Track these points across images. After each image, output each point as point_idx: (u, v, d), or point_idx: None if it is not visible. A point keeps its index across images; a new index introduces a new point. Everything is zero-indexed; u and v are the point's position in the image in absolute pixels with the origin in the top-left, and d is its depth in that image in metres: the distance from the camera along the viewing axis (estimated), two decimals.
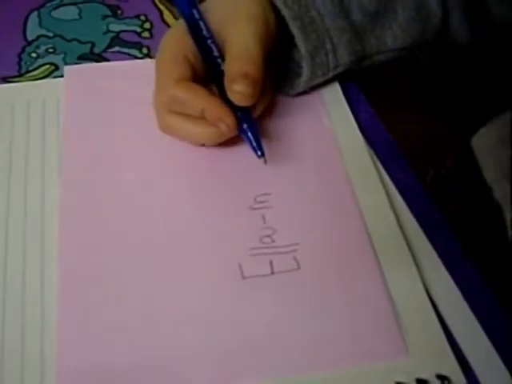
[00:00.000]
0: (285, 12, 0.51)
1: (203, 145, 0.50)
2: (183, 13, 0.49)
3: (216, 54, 0.49)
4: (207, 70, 0.50)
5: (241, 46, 0.47)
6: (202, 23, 0.49)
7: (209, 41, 0.49)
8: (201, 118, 0.47)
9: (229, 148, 0.50)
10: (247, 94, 0.46)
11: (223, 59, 0.48)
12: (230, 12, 0.50)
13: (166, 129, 0.50)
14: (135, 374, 0.39)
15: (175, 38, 0.50)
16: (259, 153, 0.48)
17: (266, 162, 0.48)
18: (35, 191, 0.48)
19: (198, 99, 0.47)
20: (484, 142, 0.34)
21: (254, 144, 0.48)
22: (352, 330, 0.42)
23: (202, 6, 0.51)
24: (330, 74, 0.54)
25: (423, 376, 0.39)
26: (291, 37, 0.52)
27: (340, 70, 0.54)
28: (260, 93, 0.48)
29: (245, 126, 0.48)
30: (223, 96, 0.47)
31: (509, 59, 0.76)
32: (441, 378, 0.39)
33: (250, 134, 0.48)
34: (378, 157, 0.52)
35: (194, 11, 0.49)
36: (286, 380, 0.39)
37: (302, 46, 0.51)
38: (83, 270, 0.44)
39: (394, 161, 0.52)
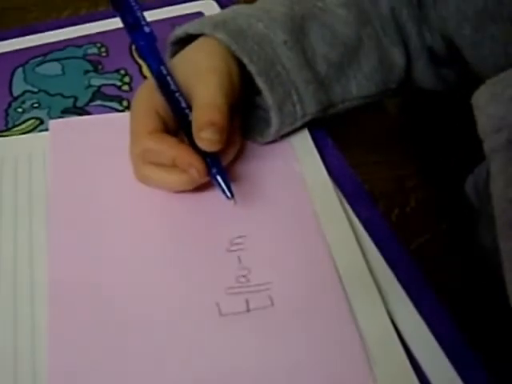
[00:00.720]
0: (251, 67, 0.54)
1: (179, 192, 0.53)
2: (152, 69, 0.53)
3: (184, 105, 0.52)
4: (176, 122, 0.53)
5: (205, 97, 0.51)
6: (169, 78, 0.52)
7: (176, 94, 0.52)
8: (174, 166, 0.51)
9: (206, 196, 0.53)
10: (214, 140, 0.50)
11: (191, 110, 0.51)
12: (194, 67, 0.53)
13: (142, 179, 0.53)
14: None
15: (146, 93, 0.54)
16: (229, 194, 0.51)
17: (235, 202, 0.51)
18: (23, 242, 0.51)
19: (170, 149, 0.50)
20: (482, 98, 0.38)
21: (224, 187, 0.51)
22: (323, 362, 0.44)
23: (170, 63, 0.54)
24: (298, 123, 0.57)
25: None
26: (259, 88, 0.55)
27: (307, 118, 0.57)
28: (228, 140, 0.51)
29: (214, 170, 0.51)
30: (192, 144, 0.51)
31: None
32: None
33: (219, 177, 0.51)
34: (346, 197, 0.55)
35: (162, 67, 0.52)
36: None
37: (269, 99, 0.54)
38: (71, 305, 0.47)
39: (360, 201, 0.55)
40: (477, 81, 0.66)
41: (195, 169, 0.50)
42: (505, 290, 0.57)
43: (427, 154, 0.72)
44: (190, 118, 0.51)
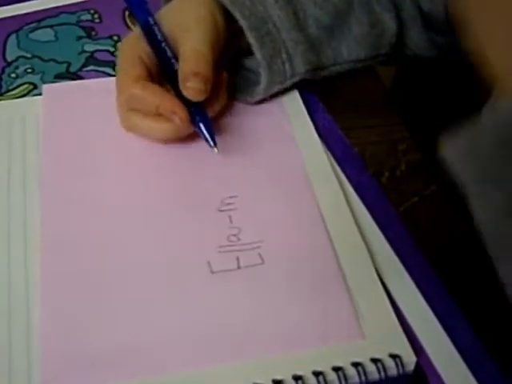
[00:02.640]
0: (242, 22, 0.54)
1: (167, 142, 0.54)
2: (139, 19, 0.54)
3: (170, 54, 0.53)
4: (162, 70, 0.54)
5: (191, 48, 0.52)
6: (156, 28, 0.53)
7: (163, 44, 0.53)
8: (158, 114, 0.52)
9: (198, 156, 0.54)
10: (198, 89, 0.51)
11: (177, 60, 0.53)
12: (181, 17, 0.54)
13: (128, 127, 0.54)
14: (112, 358, 0.42)
15: (130, 43, 0.55)
16: (211, 143, 0.52)
17: (218, 151, 0.52)
18: (18, 200, 0.51)
19: (154, 96, 0.51)
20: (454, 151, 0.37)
21: (207, 135, 0.52)
22: (311, 318, 0.45)
23: (157, 15, 0.55)
24: (288, 83, 0.57)
25: (377, 356, 0.43)
26: (249, 48, 0.55)
27: (297, 79, 0.58)
28: (214, 93, 0.52)
29: (197, 118, 0.52)
30: (177, 93, 0.52)
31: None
32: (393, 356, 0.43)
33: (202, 125, 0.52)
34: (337, 160, 0.56)
35: (150, 18, 0.53)
36: (256, 361, 0.43)
37: (258, 54, 0.55)
38: (65, 266, 0.47)
39: (351, 164, 0.56)
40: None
41: (178, 116, 0.51)
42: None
43: (419, 119, 0.72)
44: (176, 67, 0.52)
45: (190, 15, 0.54)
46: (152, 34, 0.53)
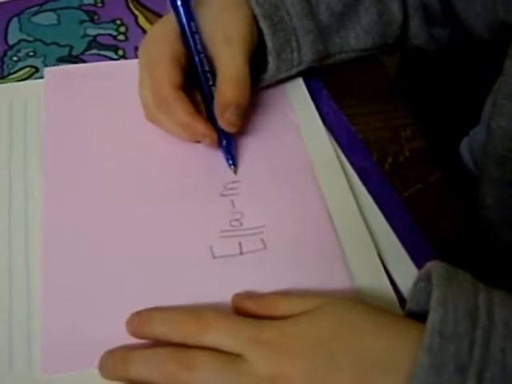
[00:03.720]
0: (256, 10, 0.54)
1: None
2: (180, 21, 0.52)
3: (206, 68, 0.52)
4: (196, 79, 0.52)
5: (235, 71, 0.50)
6: (197, 37, 0.52)
7: (202, 55, 0.52)
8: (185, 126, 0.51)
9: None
10: (237, 123, 0.51)
11: (212, 72, 0.51)
12: (221, 30, 0.52)
13: (152, 120, 0.53)
14: (112, 344, 0.42)
15: (169, 37, 0.52)
16: (232, 166, 0.52)
17: (235, 173, 0.52)
18: (19, 182, 0.51)
19: (184, 113, 0.50)
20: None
21: (229, 157, 0.52)
22: None
23: (196, 14, 0.52)
24: (294, 71, 0.57)
25: None
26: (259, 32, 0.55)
27: (303, 67, 0.57)
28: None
29: (223, 139, 0.52)
30: (207, 109, 0.52)
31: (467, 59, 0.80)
32: None
33: (226, 147, 0.52)
34: (341, 147, 0.55)
35: (192, 24, 0.52)
36: None
37: (269, 43, 0.54)
38: (67, 249, 0.47)
39: (355, 150, 0.55)
40: (468, 44, 0.66)
41: (208, 139, 0.51)
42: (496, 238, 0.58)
43: (423, 105, 0.72)
44: (210, 81, 0.51)
45: (234, 31, 0.52)
46: (191, 41, 0.51)
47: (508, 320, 0.36)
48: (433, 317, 0.36)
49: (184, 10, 0.51)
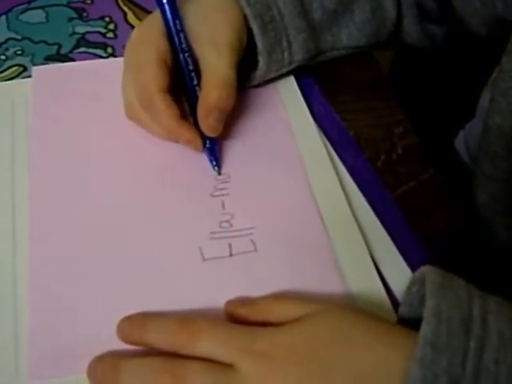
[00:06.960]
0: (247, 10, 0.53)
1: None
2: (166, 19, 0.50)
3: (191, 67, 0.50)
4: (180, 79, 0.51)
5: (220, 75, 0.49)
6: (182, 35, 0.50)
7: (186, 54, 0.50)
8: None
9: None
10: (218, 128, 0.50)
11: (196, 73, 0.50)
12: (208, 33, 0.51)
13: (132, 118, 0.53)
14: (101, 347, 0.41)
15: (155, 37, 0.51)
16: (216, 168, 0.51)
17: (219, 174, 0.51)
18: (6, 183, 0.51)
19: (170, 119, 0.49)
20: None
21: (213, 159, 0.52)
22: None
23: (182, 12, 0.51)
24: (284, 70, 0.56)
25: None
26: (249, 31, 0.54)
27: (293, 66, 0.57)
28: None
29: (207, 143, 0.51)
30: (191, 109, 0.51)
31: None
32: None
33: (210, 150, 0.51)
34: (332, 144, 0.55)
35: (177, 22, 0.50)
36: None
37: (260, 43, 0.53)
38: (53, 254, 0.46)
39: (346, 147, 0.55)
40: (464, 40, 0.66)
41: (193, 145, 0.50)
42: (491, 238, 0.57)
43: (416, 102, 0.71)
44: (195, 81, 0.51)
45: (221, 36, 0.51)
46: (176, 40, 0.50)
47: (502, 330, 0.35)
48: (425, 328, 0.35)
49: (170, 8, 0.50)
